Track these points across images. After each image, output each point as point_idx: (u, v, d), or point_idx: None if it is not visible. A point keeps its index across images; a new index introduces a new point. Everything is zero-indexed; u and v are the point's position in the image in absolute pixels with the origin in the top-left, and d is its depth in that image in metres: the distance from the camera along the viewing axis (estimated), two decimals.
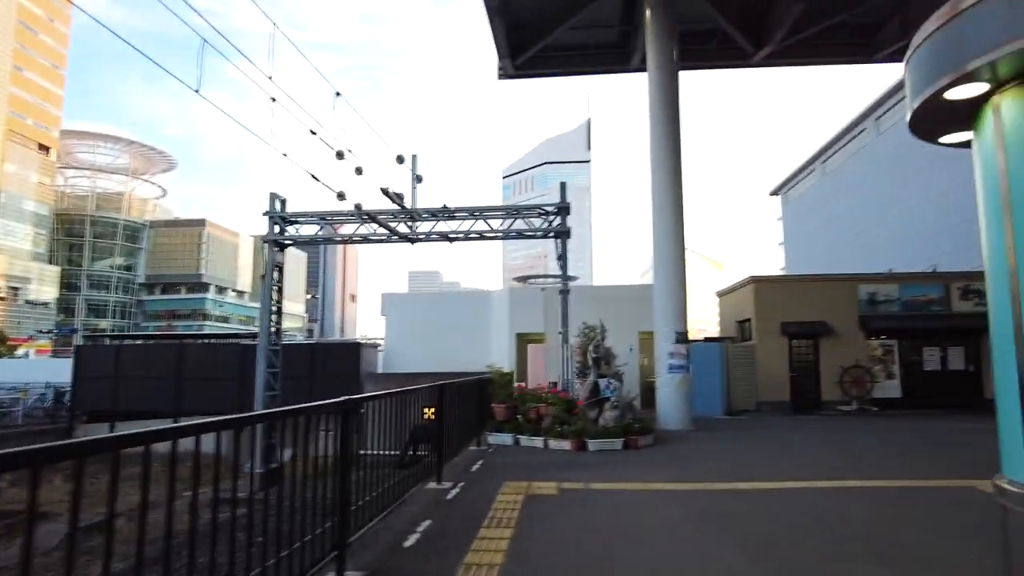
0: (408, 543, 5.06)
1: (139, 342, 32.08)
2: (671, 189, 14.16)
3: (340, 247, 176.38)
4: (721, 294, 22.37)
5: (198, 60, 6.73)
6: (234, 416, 3.14)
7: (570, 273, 14.49)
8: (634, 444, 10.32)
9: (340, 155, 10.93)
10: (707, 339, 20.66)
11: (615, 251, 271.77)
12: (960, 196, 24.05)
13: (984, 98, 2.86)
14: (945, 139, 3.28)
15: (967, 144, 3.20)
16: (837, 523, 5.50)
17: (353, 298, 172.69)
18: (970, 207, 20.31)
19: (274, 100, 8.57)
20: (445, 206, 14.22)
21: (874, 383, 16.96)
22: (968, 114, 3.01)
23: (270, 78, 7.54)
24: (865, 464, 8.65)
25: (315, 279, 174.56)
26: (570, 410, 11.01)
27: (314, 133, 9.96)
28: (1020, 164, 2.73)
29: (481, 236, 14.90)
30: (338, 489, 4.36)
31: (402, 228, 14.78)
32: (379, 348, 21.87)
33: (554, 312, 15.16)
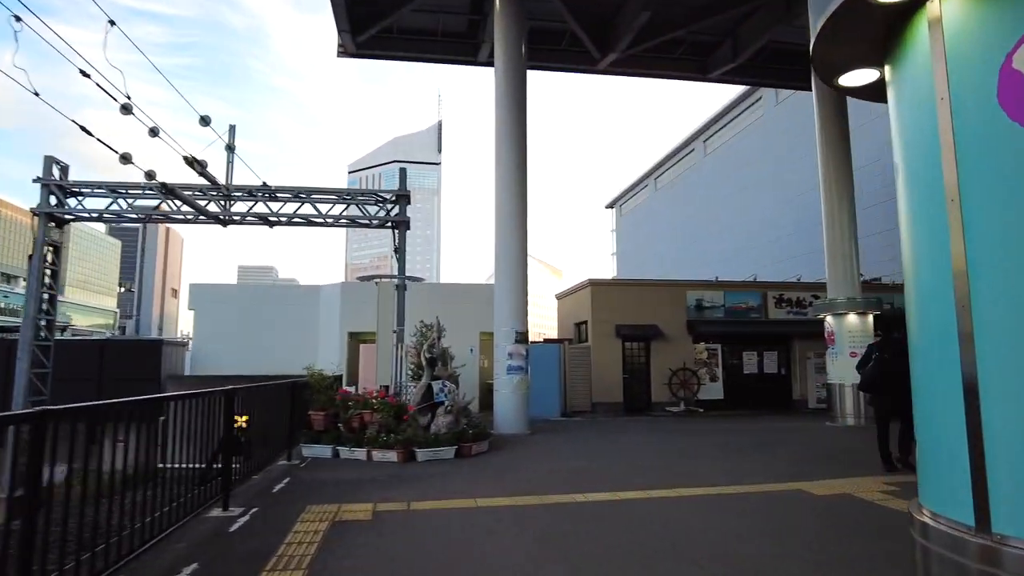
0: None
1: None
2: (516, 185, 13.83)
3: (161, 234, 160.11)
4: (560, 296, 22.49)
5: None
6: None
7: (418, 275, 13.51)
8: (468, 452, 9.56)
9: (126, 109, 8.95)
10: (546, 340, 20.60)
11: (464, 253, 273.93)
12: (774, 215, 26.37)
13: (913, 7, 2.15)
14: (848, 77, 2.57)
15: (873, 93, 2.54)
16: (681, 539, 4.98)
17: (175, 293, 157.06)
18: (781, 225, 22.12)
19: (19, 19, 6.59)
20: (265, 184, 12.46)
21: (700, 385, 17.69)
22: (883, 44, 2.33)
23: None
24: (700, 468, 8.50)
25: (131, 270, 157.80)
26: (400, 417, 9.95)
27: (86, 75, 7.96)
28: (972, 96, 1.99)
29: (308, 221, 13.31)
30: (18, 546, 2.91)
31: (213, 207, 12.77)
32: (187, 347, 19.17)
33: (390, 310, 13.94)
